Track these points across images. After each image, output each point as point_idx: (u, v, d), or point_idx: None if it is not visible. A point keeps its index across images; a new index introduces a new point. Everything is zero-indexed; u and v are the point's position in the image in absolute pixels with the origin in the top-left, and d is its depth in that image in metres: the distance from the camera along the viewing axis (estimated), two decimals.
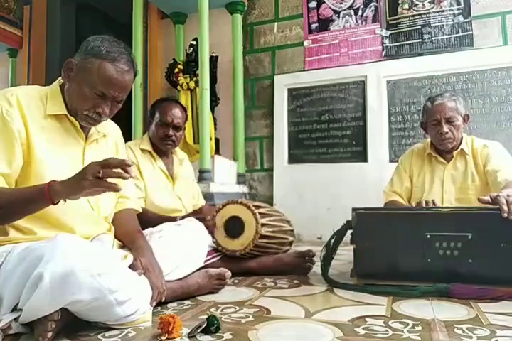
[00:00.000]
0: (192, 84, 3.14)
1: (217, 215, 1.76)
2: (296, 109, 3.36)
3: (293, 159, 3.33)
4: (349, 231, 1.51)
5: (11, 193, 1.01)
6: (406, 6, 3.11)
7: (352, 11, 3.26)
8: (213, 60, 3.15)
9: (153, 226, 1.46)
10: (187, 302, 1.29)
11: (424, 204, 1.52)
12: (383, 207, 1.86)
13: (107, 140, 1.30)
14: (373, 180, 2.93)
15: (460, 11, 2.96)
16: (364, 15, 3.23)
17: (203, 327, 0.98)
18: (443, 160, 1.81)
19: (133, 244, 1.24)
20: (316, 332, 1.00)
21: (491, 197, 1.34)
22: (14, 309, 0.92)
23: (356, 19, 3.25)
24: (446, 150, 1.78)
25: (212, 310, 1.20)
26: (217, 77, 3.24)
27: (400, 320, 1.09)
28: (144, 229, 1.38)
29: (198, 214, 1.72)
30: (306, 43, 3.37)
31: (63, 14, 4.06)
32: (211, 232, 1.69)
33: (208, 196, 2.46)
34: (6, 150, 1.04)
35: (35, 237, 1.06)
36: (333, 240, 1.57)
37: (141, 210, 1.46)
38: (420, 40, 3.05)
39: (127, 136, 2.28)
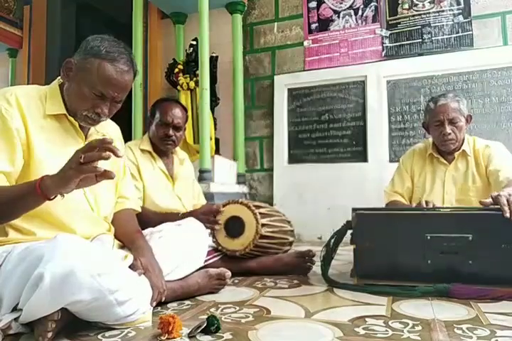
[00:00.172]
0: (192, 84, 3.14)
1: (217, 215, 1.76)
2: (296, 109, 3.36)
3: (293, 159, 3.33)
4: (349, 231, 1.51)
5: (7, 190, 1.00)
6: (406, 6, 3.11)
7: (352, 11, 3.26)
8: (213, 60, 3.15)
9: (154, 225, 1.46)
10: (187, 302, 1.29)
11: (424, 205, 1.52)
12: (384, 207, 1.86)
13: None
14: (373, 180, 2.93)
15: (460, 11, 2.96)
16: (364, 15, 3.23)
17: (203, 327, 0.98)
18: (444, 161, 1.81)
19: (133, 244, 1.24)
20: (316, 332, 1.00)
21: (492, 197, 1.33)
22: (14, 309, 0.92)
23: (356, 19, 3.25)
24: (448, 151, 1.78)
25: (212, 310, 1.20)
26: (217, 77, 3.24)
27: (400, 320, 1.09)
28: (143, 229, 1.38)
29: (203, 214, 1.72)
30: (306, 43, 3.38)
31: (63, 14, 4.05)
32: (211, 230, 1.68)
33: (208, 196, 2.46)
34: (7, 149, 1.04)
35: (35, 238, 1.06)
36: (333, 240, 1.57)
37: (140, 210, 1.46)
38: (420, 40, 3.05)
39: (127, 136, 2.28)
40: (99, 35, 1.17)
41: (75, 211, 1.13)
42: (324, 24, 3.33)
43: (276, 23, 3.48)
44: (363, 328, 1.02)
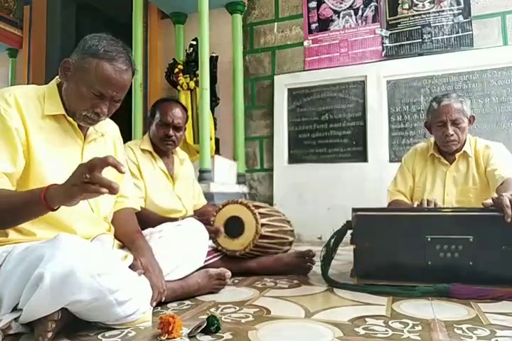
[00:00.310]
0: (192, 84, 3.14)
1: (217, 215, 1.76)
2: (296, 109, 3.36)
3: (293, 159, 3.33)
4: (349, 231, 1.51)
5: (11, 197, 0.99)
6: (406, 6, 3.11)
7: (352, 11, 3.26)
8: (213, 60, 3.15)
9: (154, 226, 1.46)
10: (187, 302, 1.29)
11: (425, 204, 1.51)
12: (386, 206, 1.86)
13: (105, 139, 1.30)
14: (373, 180, 2.94)
15: (460, 11, 2.96)
16: (364, 15, 3.23)
17: (203, 327, 0.98)
18: (446, 162, 1.80)
19: (132, 244, 1.24)
20: (316, 332, 1.00)
21: (493, 199, 1.33)
22: (14, 309, 0.92)
23: (356, 19, 3.25)
24: (450, 152, 1.77)
25: (212, 310, 1.20)
26: (217, 77, 3.24)
27: (400, 320, 1.09)
28: (143, 229, 1.38)
29: (202, 215, 1.72)
30: (306, 43, 3.38)
31: (63, 14, 4.05)
32: (212, 235, 1.67)
33: (208, 196, 2.46)
34: (8, 149, 1.03)
35: (35, 238, 1.06)
36: (333, 240, 1.57)
37: (140, 209, 1.46)
38: (420, 40, 3.05)
39: (127, 136, 2.28)
40: (97, 33, 1.15)
41: (75, 211, 1.13)
42: (324, 24, 3.33)
43: (276, 23, 3.48)
44: (363, 328, 1.02)
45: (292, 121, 3.36)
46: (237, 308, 1.21)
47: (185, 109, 1.93)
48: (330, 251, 1.57)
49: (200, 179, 2.64)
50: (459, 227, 1.36)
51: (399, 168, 1.95)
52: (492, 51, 2.86)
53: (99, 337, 0.97)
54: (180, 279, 1.32)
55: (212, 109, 3.14)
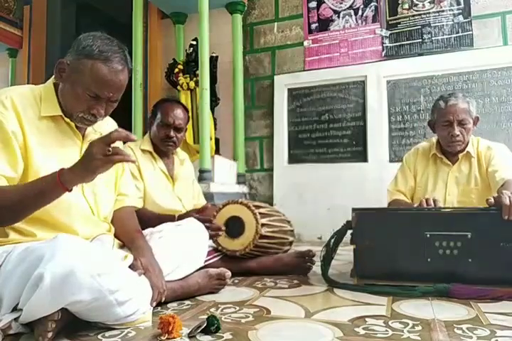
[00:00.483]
0: (192, 84, 3.14)
1: (217, 215, 1.76)
2: (296, 109, 3.36)
3: (293, 159, 3.33)
4: (349, 231, 1.51)
5: (20, 188, 1.00)
6: (406, 6, 3.11)
7: (352, 11, 3.26)
8: (213, 60, 3.15)
9: (153, 226, 1.46)
10: (187, 302, 1.29)
11: (424, 203, 1.51)
12: (386, 206, 1.86)
13: None
14: (373, 180, 2.94)
15: (460, 11, 2.96)
16: (364, 15, 3.23)
17: (203, 327, 0.98)
18: (448, 162, 1.80)
19: (132, 244, 1.24)
20: (316, 332, 1.00)
21: (494, 198, 1.33)
22: (14, 309, 0.92)
23: (356, 19, 3.25)
24: (453, 152, 1.77)
25: (212, 310, 1.20)
26: (217, 77, 3.24)
27: (400, 320, 1.09)
28: (143, 229, 1.38)
29: (201, 212, 1.71)
30: (306, 43, 3.38)
31: (63, 14, 4.05)
32: (213, 233, 1.68)
33: (208, 196, 2.46)
34: (7, 153, 1.03)
35: (36, 238, 1.05)
36: (333, 240, 1.57)
37: (140, 206, 1.46)
38: (420, 40, 3.05)
39: None
40: (91, 32, 1.13)
41: (74, 212, 1.13)
42: (324, 24, 3.33)
43: (276, 23, 3.48)
44: (363, 328, 1.02)
45: (292, 121, 3.36)
46: (237, 308, 1.21)
47: (186, 109, 1.93)
48: (330, 251, 1.57)
49: (200, 179, 2.64)
50: (457, 224, 1.37)
51: (400, 167, 1.94)
52: (492, 51, 2.86)
53: (99, 337, 0.97)
54: (181, 279, 1.32)
55: (212, 109, 3.14)
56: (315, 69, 3.32)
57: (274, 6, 3.49)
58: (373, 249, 1.43)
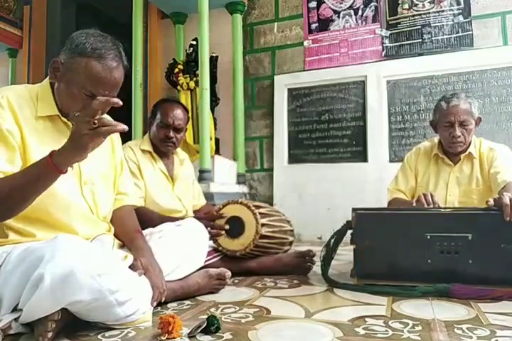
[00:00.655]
0: (192, 84, 3.14)
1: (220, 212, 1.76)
2: (296, 109, 3.36)
3: (293, 159, 3.33)
4: (349, 231, 1.51)
5: (13, 178, 0.97)
6: (406, 6, 3.11)
7: (352, 11, 3.26)
8: (213, 60, 3.15)
9: (154, 226, 1.46)
10: (187, 302, 1.29)
11: (423, 198, 1.50)
12: (386, 205, 1.85)
13: None
14: (373, 180, 2.94)
15: (460, 11, 2.96)
16: (364, 15, 3.23)
17: (203, 327, 0.98)
18: (450, 162, 1.80)
19: (132, 244, 1.24)
20: (316, 332, 1.00)
21: (494, 200, 1.33)
22: (14, 309, 0.92)
23: (356, 19, 3.25)
24: (455, 152, 1.77)
25: (212, 310, 1.20)
26: (217, 77, 3.24)
27: (400, 320, 1.09)
28: (144, 229, 1.38)
29: (204, 218, 1.72)
30: (306, 43, 3.38)
31: (63, 14, 4.05)
32: (214, 232, 1.68)
33: (208, 196, 2.46)
34: (5, 150, 1.02)
35: (35, 239, 1.05)
36: (333, 240, 1.57)
37: (139, 205, 1.46)
38: (420, 40, 3.05)
39: (127, 136, 2.27)
40: (84, 30, 1.12)
41: (73, 212, 1.12)
42: (324, 24, 3.33)
43: (276, 23, 3.48)
44: (363, 328, 1.02)
45: (292, 121, 3.36)
46: (237, 308, 1.21)
47: (186, 110, 1.93)
48: (330, 251, 1.57)
49: (200, 179, 2.64)
50: (457, 225, 1.37)
51: (401, 166, 1.93)
52: (492, 51, 2.86)
53: (99, 337, 0.97)
54: (181, 279, 1.32)
55: (212, 109, 3.14)
56: (315, 69, 3.32)
57: (274, 6, 3.49)
58: (373, 250, 1.43)
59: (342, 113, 3.22)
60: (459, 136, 1.70)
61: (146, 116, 3.22)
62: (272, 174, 3.35)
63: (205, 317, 1.01)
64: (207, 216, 1.71)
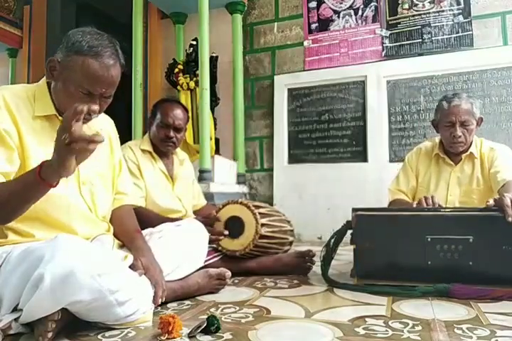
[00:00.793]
0: (192, 84, 3.14)
1: (218, 215, 1.76)
2: (296, 109, 3.36)
3: (293, 159, 3.33)
4: (349, 231, 1.51)
5: (7, 186, 0.97)
6: (406, 6, 3.11)
7: (352, 11, 3.26)
8: (213, 60, 3.15)
9: (154, 226, 1.46)
10: (187, 302, 1.29)
11: (423, 202, 1.50)
12: (387, 205, 1.85)
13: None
14: (373, 180, 2.94)
15: (460, 11, 2.96)
16: (364, 15, 3.23)
17: (203, 327, 0.98)
18: (451, 162, 1.80)
19: (132, 244, 1.24)
20: (316, 332, 1.00)
21: (494, 200, 1.33)
22: (14, 309, 0.92)
23: (356, 19, 3.25)
24: (456, 152, 1.77)
25: (212, 310, 1.20)
26: (217, 77, 3.24)
27: (400, 320, 1.09)
28: (143, 229, 1.38)
29: (206, 218, 1.71)
30: (306, 43, 3.38)
31: (63, 14, 4.05)
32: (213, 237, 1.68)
33: (208, 196, 2.46)
34: (3, 149, 1.02)
35: (35, 239, 1.05)
36: (333, 240, 1.57)
37: (139, 205, 1.46)
38: (420, 40, 3.05)
39: (127, 136, 2.27)
40: (80, 28, 1.11)
41: (73, 211, 1.12)
42: (324, 24, 3.33)
43: (276, 23, 3.48)
44: (363, 328, 1.02)
45: (292, 121, 3.36)
46: (237, 308, 1.21)
47: (186, 110, 1.93)
48: (330, 251, 1.57)
49: (200, 179, 2.64)
50: (459, 227, 1.36)
51: (402, 166, 1.93)
52: (492, 51, 2.86)
53: (99, 337, 0.97)
54: (181, 279, 1.32)
55: (212, 109, 3.14)
56: (315, 69, 3.32)
57: (274, 6, 3.49)
58: (373, 250, 1.43)
59: (342, 113, 3.22)
60: (460, 136, 1.70)
61: (146, 116, 3.22)
62: (272, 174, 3.35)
63: (205, 317, 1.01)
64: (205, 220, 1.70)
